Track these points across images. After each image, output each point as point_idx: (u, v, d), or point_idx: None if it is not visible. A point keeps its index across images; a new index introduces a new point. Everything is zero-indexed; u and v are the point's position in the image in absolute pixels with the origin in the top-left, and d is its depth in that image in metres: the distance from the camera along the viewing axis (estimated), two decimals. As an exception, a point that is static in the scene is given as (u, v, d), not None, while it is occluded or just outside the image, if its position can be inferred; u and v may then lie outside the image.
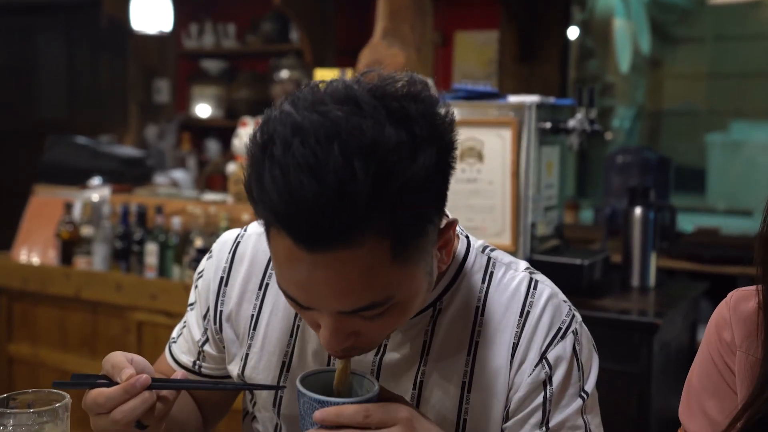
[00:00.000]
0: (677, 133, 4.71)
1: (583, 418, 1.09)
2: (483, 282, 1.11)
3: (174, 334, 1.29)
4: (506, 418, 1.09)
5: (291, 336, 1.15)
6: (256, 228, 1.22)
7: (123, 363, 1.00)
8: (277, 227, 0.88)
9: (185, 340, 1.26)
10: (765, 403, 1.00)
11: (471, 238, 1.15)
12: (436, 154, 0.88)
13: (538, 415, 1.07)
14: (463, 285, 1.11)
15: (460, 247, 1.13)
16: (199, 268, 1.25)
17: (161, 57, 5.56)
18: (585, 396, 1.09)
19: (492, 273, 1.12)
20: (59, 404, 1.01)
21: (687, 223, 3.45)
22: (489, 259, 1.14)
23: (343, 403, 0.92)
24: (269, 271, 1.18)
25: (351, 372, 1.02)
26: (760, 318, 1.05)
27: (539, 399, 1.07)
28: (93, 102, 5.53)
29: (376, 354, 1.11)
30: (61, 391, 1.04)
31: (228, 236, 1.24)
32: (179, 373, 1.10)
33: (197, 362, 1.24)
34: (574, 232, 3.23)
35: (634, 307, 2.27)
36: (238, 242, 1.22)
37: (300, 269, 0.88)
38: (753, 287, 1.08)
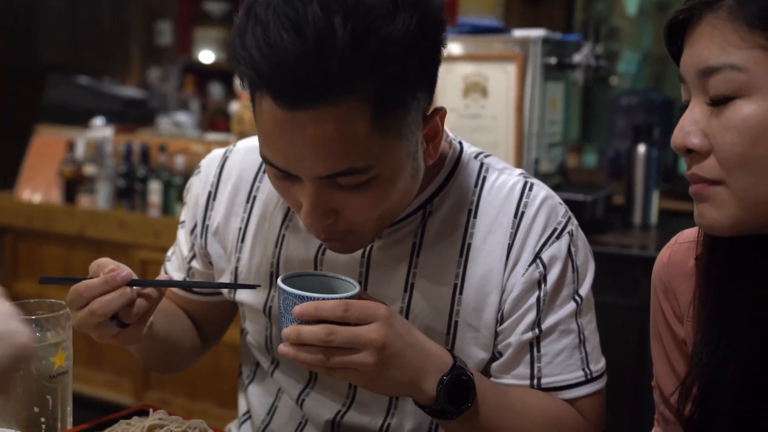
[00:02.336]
0: (684, 77, 4.68)
1: (577, 322, 1.08)
2: (476, 186, 1.11)
3: (169, 253, 1.31)
4: (501, 320, 1.08)
5: (276, 246, 1.16)
6: (244, 143, 1.23)
7: (108, 261, 1.03)
8: (260, 89, 0.90)
9: (177, 258, 1.28)
10: (700, 373, 0.89)
11: (465, 144, 1.15)
12: (417, 20, 0.89)
13: (531, 315, 1.07)
14: (455, 188, 1.10)
15: (453, 152, 1.12)
16: (188, 185, 1.26)
17: (163, -2, 5.49)
18: (579, 299, 1.09)
19: (485, 177, 1.12)
20: (62, 312, 1.02)
21: (691, 167, 3.45)
22: (482, 164, 1.13)
23: (323, 299, 0.93)
24: (257, 183, 1.19)
25: (333, 276, 1.02)
26: (698, 278, 0.92)
27: (533, 299, 1.06)
28: (95, 44, 5.47)
29: (363, 255, 1.10)
30: (62, 301, 1.05)
31: (216, 153, 1.25)
32: (162, 276, 1.11)
33: (187, 278, 1.26)
34: (577, 175, 3.21)
35: (635, 243, 2.27)
36: (227, 157, 1.23)
37: (282, 132, 0.90)
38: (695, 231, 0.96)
